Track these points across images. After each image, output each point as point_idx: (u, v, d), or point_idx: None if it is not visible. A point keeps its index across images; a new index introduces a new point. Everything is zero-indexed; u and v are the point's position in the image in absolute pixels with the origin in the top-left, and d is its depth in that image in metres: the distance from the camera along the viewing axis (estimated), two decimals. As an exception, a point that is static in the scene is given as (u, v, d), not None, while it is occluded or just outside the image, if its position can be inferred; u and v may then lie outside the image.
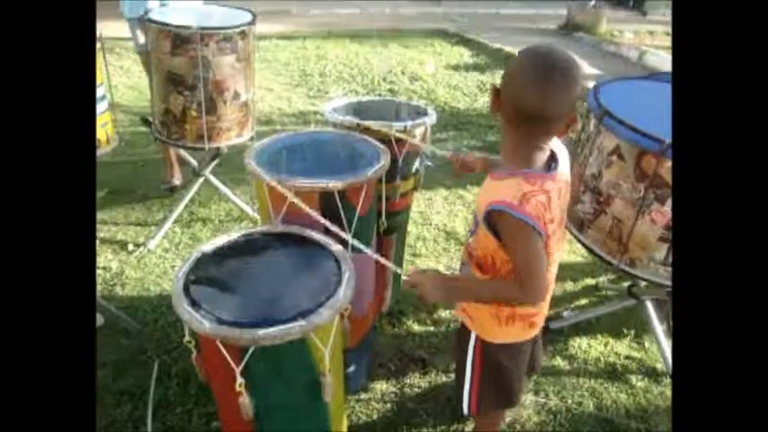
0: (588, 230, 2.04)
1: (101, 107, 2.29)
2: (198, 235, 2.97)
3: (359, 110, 2.25)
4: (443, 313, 2.48)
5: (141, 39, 2.90)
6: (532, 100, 1.17)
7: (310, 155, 1.83)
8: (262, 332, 1.20)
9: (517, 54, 1.25)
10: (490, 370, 1.50)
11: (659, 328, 2.24)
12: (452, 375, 2.14)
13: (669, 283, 1.90)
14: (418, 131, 2.14)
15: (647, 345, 2.35)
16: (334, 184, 1.58)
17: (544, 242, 1.25)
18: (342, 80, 5.66)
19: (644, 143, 1.76)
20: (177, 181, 3.34)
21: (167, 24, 2.50)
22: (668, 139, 1.68)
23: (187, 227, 3.03)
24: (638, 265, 1.92)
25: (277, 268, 1.45)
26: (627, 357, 2.29)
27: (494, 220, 1.26)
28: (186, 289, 1.32)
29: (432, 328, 2.41)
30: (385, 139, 1.96)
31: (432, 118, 2.18)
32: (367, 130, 1.99)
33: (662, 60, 6.18)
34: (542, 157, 1.27)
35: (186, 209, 3.12)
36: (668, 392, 2.12)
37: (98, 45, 2.06)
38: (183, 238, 2.93)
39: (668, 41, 8.59)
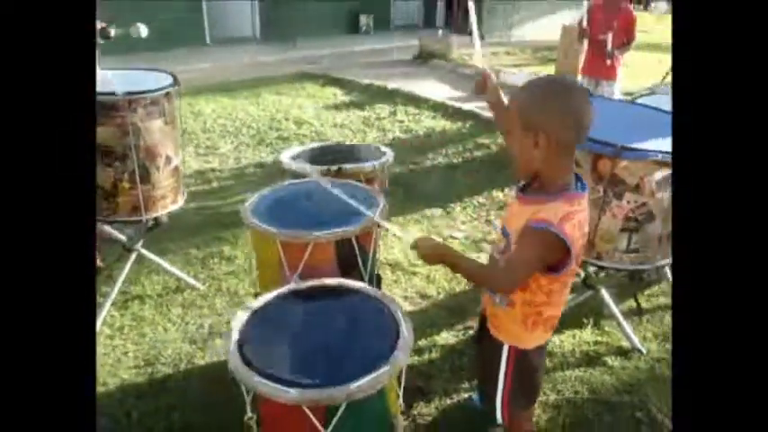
0: (552, 234, 2.23)
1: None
2: (139, 314, 2.74)
3: (315, 157, 2.28)
4: (420, 342, 2.52)
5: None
6: (577, 128, 1.30)
7: (303, 205, 1.82)
8: (354, 386, 1.18)
9: (531, 96, 1.32)
10: (523, 374, 1.60)
11: (617, 311, 2.49)
12: (455, 396, 2.21)
13: (632, 267, 2.14)
14: (378, 169, 2.23)
15: (606, 329, 2.60)
16: (352, 230, 1.60)
17: (571, 263, 1.36)
18: (228, 134, 5.56)
19: (597, 148, 1.99)
20: (100, 262, 3.05)
21: (86, 96, 2.33)
22: (620, 143, 1.93)
23: (125, 308, 2.78)
24: (605, 257, 2.14)
25: (324, 322, 1.43)
26: (596, 343, 2.51)
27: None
28: (248, 364, 1.26)
29: (416, 358, 2.44)
30: (359, 180, 2.02)
31: (389, 156, 2.28)
32: (339, 173, 2.03)
33: (517, 78, 6.83)
34: (573, 176, 1.39)
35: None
36: (641, 365, 2.37)
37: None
38: (124, 321, 2.69)
39: (508, 60, 9.53)
